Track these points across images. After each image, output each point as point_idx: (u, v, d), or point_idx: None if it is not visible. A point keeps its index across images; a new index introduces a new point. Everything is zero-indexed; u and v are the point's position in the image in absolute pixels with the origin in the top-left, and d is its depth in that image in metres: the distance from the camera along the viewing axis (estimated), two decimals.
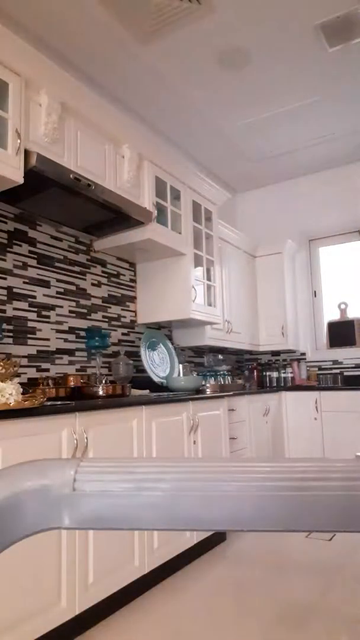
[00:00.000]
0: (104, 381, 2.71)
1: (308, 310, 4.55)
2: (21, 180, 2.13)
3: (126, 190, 2.76)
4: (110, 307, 3.20)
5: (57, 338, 2.78)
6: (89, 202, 2.49)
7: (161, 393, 3.01)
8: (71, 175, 2.33)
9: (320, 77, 2.93)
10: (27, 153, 2.17)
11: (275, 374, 4.56)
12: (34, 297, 2.67)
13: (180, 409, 2.60)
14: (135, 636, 1.83)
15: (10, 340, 2.50)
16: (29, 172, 2.15)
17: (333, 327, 4.28)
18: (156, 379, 3.24)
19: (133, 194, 2.81)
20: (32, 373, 2.60)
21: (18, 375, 2.39)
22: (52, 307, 2.77)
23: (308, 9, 2.36)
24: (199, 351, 4.14)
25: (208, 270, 3.55)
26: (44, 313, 2.72)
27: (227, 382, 3.90)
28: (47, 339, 2.72)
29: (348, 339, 4.20)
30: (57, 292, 2.82)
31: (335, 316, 4.39)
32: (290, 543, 2.82)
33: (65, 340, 2.84)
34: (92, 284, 3.08)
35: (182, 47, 2.60)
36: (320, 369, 4.45)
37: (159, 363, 3.40)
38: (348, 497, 0.30)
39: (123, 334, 3.31)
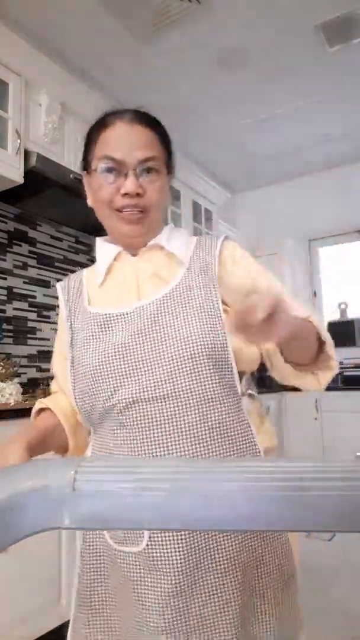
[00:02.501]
0: None
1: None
2: (21, 180, 2.13)
3: None
4: None
5: None
6: None
7: None
8: (71, 175, 2.33)
9: (320, 77, 2.93)
10: (27, 153, 2.17)
11: None
12: (34, 297, 2.67)
13: None
14: None
15: (10, 340, 2.50)
16: (29, 172, 2.15)
17: (333, 327, 4.28)
18: None
19: None
20: (32, 373, 2.60)
21: (18, 375, 2.39)
22: (52, 307, 2.77)
23: (308, 9, 2.36)
24: None
25: None
26: (44, 313, 2.72)
27: None
28: (47, 339, 2.72)
29: (348, 339, 4.20)
30: None
31: (335, 316, 4.39)
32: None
33: None
34: None
35: (182, 47, 2.60)
36: None
37: None
38: (348, 497, 0.30)
39: None
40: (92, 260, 3.10)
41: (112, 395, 0.76)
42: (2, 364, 1.96)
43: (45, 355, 2.70)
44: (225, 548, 0.73)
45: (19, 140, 2.13)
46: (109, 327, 0.80)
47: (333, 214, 4.39)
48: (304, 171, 4.43)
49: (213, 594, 0.73)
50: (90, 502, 0.31)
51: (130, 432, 0.75)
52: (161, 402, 0.74)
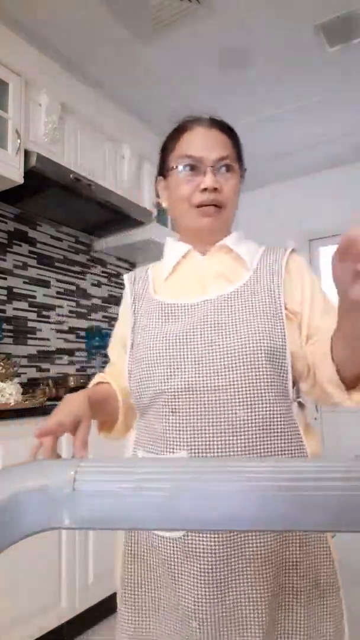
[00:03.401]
0: None
1: None
2: (21, 180, 2.13)
3: (126, 190, 2.76)
4: (110, 307, 3.21)
5: (57, 338, 2.78)
6: (89, 202, 2.49)
7: None
8: (71, 175, 2.33)
9: (320, 77, 2.93)
10: (27, 153, 2.17)
11: None
12: (34, 297, 2.67)
13: None
14: None
15: (10, 340, 2.50)
16: (29, 172, 2.15)
17: None
18: None
19: (133, 194, 2.81)
20: (32, 373, 2.60)
21: (18, 375, 2.39)
22: (52, 307, 2.77)
23: (308, 9, 2.36)
24: None
25: None
26: (44, 313, 2.72)
27: None
28: (47, 339, 2.72)
29: None
30: (57, 292, 2.82)
31: None
32: None
33: (65, 340, 2.84)
34: (92, 284, 3.08)
35: (182, 47, 2.59)
36: None
37: None
38: (348, 497, 0.30)
39: None
40: (92, 260, 3.10)
41: (167, 380, 0.79)
42: (2, 364, 1.96)
43: (45, 355, 2.70)
44: (262, 544, 0.75)
45: (19, 140, 2.13)
46: (172, 316, 0.84)
47: (333, 214, 4.38)
48: (304, 171, 4.43)
49: (246, 588, 0.74)
50: (90, 502, 0.31)
51: (181, 418, 0.78)
52: (214, 392, 0.76)
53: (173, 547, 0.77)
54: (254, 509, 0.30)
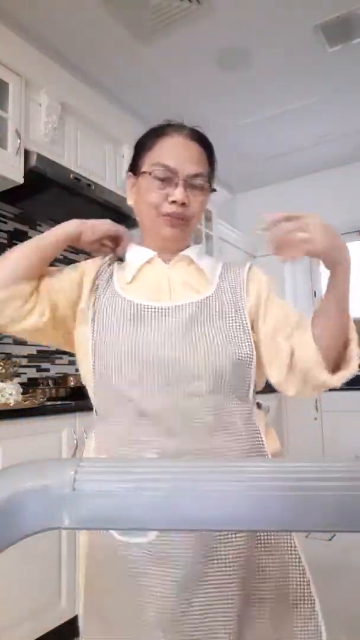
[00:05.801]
0: None
1: (308, 311, 4.55)
2: (21, 180, 2.13)
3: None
4: None
5: None
6: (89, 202, 2.49)
7: None
8: (71, 175, 2.32)
9: (320, 77, 2.93)
10: (27, 153, 2.17)
11: None
12: None
13: None
14: None
15: (10, 340, 2.50)
16: (29, 172, 2.15)
17: None
18: None
19: None
20: (32, 373, 2.60)
21: (18, 375, 2.39)
22: None
23: (308, 9, 2.36)
24: None
25: None
26: None
27: None
28: None
29: None
30: None
31: None
32: None
33: None
34: None
35: (182, 47, 2.59)
36: None
37: None
38: (348, 497, 0.30)
39: None
40: None
41: (136, 383, 0.80)
42: (2, 364, 1.96)
43: (45, 355, 2.69)
44: (232, 548, 0.74)
45: (19, 140, 2.12)
46: (141, 318, 0.84)
47: (333, 214, 4.37)
48: (303, 171, 4.43)
49: (214, 595, 0.73)
50: (90, 502, 0.31)
51: (150, 422, 0.78)
52: (183, 398, 0.78)
53: (140, 553, 0.75)
54: (254, 509, 0.30)
